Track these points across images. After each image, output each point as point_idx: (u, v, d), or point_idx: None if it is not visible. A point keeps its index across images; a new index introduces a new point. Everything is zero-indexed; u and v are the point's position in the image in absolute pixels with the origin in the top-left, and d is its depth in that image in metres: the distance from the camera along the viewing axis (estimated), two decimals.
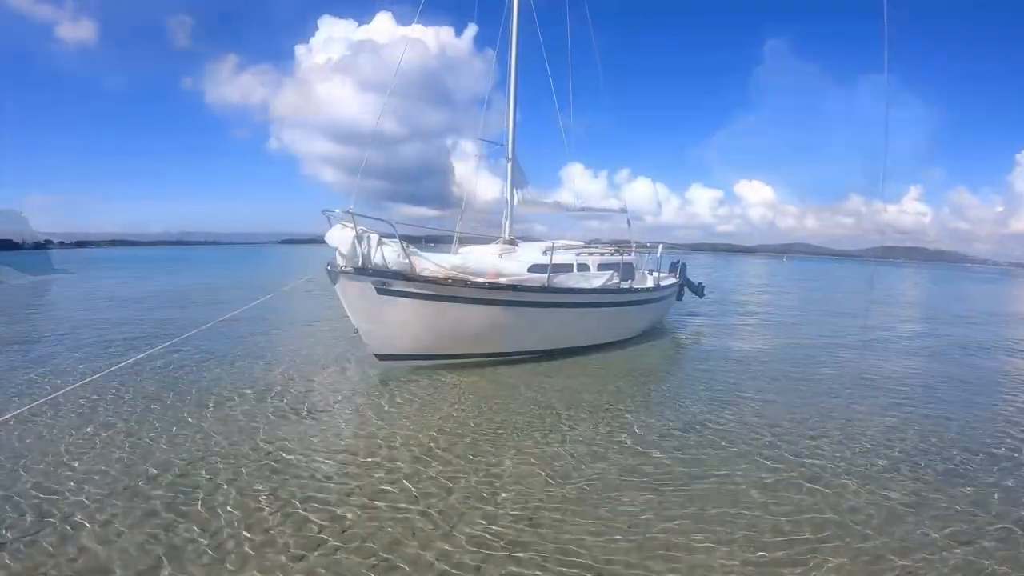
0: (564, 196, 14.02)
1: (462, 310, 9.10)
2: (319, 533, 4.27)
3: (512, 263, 10.39)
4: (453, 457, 5.78)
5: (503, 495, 4.94)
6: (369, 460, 5.68)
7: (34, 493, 4.80)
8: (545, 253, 10.41)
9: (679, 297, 16.30)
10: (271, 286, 12.28)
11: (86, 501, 4.68)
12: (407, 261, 8.67)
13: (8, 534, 4.19)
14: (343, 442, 6.22)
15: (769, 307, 21.99)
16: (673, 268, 16.42)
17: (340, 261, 8.44)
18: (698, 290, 17.49)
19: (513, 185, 12.36)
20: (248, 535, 4.21)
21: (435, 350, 9.26)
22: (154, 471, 5.26)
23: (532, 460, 5.73)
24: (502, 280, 9.55)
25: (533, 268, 10.26)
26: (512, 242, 12.27)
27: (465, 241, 12.37)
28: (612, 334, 11.60)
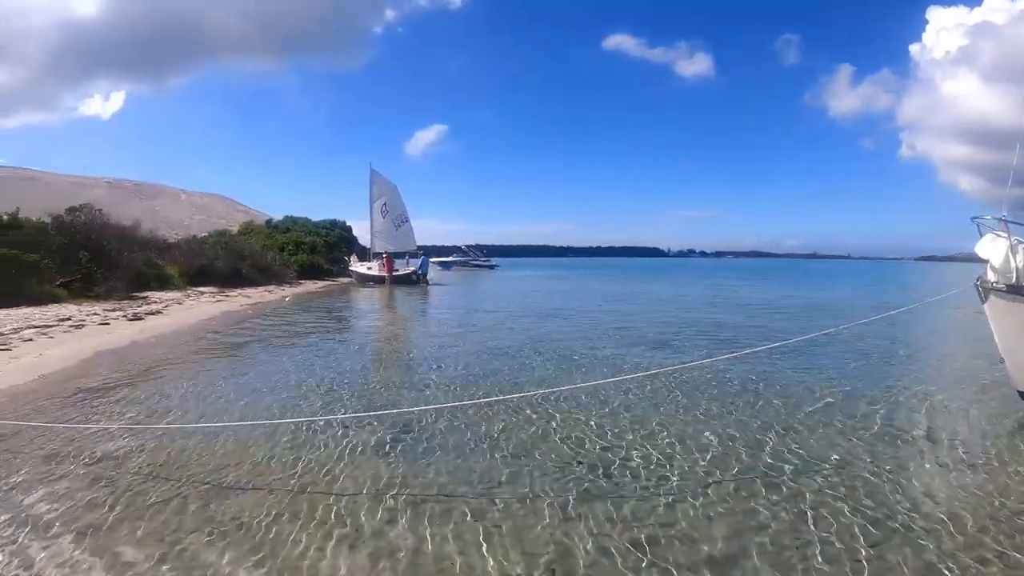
0: None
1: None
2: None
3: None
4: None
5: None
6: (975, 509, 4.63)
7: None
8: None
9: None
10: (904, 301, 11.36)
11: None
12: None
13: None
14: (948, 490, 5.15)
15: None
16: None
17: (991, 276, 6.91)
18: None
19: None
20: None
21: None
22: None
23: None
24: None
25: None
26: None
27: None
28: None
